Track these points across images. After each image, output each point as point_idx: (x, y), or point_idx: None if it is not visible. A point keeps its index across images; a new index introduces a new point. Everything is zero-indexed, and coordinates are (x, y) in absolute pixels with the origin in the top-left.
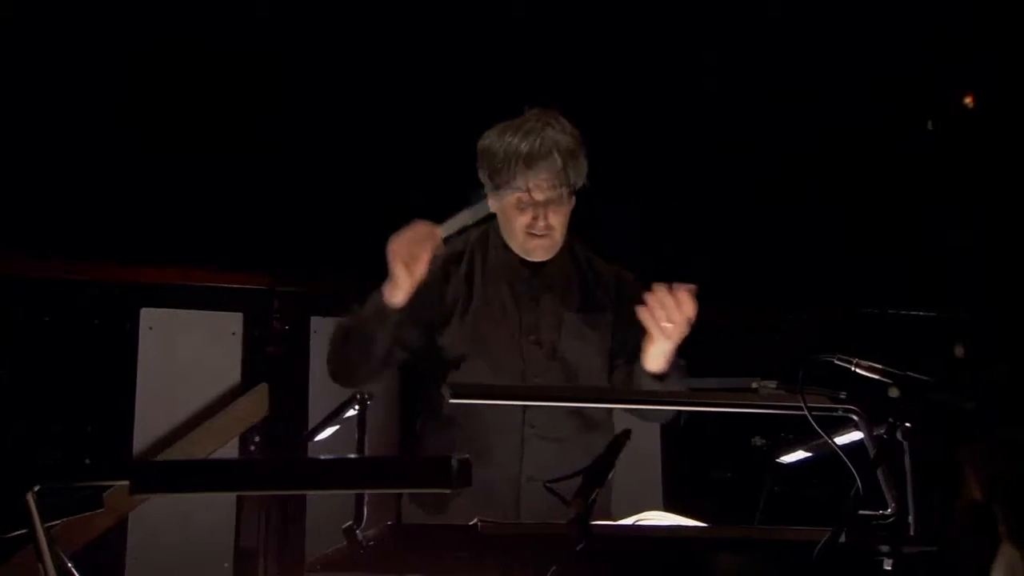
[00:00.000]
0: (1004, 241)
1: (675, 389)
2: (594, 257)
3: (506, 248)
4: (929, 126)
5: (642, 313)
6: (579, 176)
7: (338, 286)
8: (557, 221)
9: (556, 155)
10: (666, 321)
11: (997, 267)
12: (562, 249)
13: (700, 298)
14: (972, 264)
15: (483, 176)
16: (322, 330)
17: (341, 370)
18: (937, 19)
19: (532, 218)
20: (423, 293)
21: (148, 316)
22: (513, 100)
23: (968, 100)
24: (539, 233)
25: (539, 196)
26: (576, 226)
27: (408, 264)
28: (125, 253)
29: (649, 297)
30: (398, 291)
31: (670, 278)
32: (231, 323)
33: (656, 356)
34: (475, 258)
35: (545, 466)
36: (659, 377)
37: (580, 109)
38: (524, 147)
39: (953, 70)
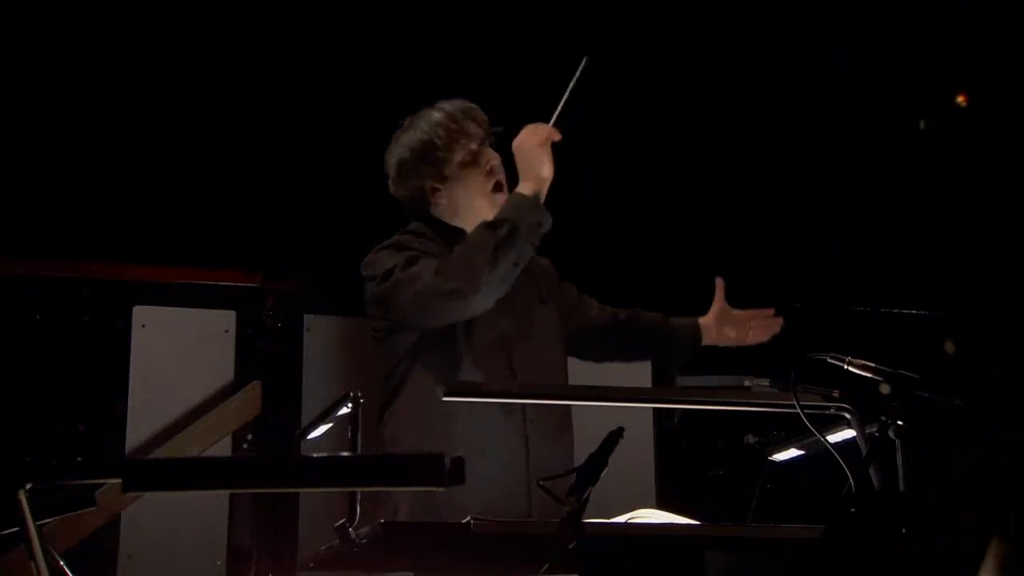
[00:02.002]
0: (1001, 240)
1: None
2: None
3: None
4: (921, 125)
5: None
6: None
7: (331, 284)
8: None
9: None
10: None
11: (993, 266)
12: None
13: (699, 298)
14: (967, 263)
15: (427, 172)
16: (315, 328)
17: (468, 299)
18: (935, 18)
19: (489, 172)
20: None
21: (140, 314)
22: (513, 100)
23: (961, 99)
24: (503, 184)
25: (492, 132)
26: (573, 226)
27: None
28: (117, 251)
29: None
30: (543, 187)
31: (668, 278)
32: (224, 321)
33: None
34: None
35: (550, 457)
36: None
37: (580, 108)
38: (451, 107)
39: (948, 69)
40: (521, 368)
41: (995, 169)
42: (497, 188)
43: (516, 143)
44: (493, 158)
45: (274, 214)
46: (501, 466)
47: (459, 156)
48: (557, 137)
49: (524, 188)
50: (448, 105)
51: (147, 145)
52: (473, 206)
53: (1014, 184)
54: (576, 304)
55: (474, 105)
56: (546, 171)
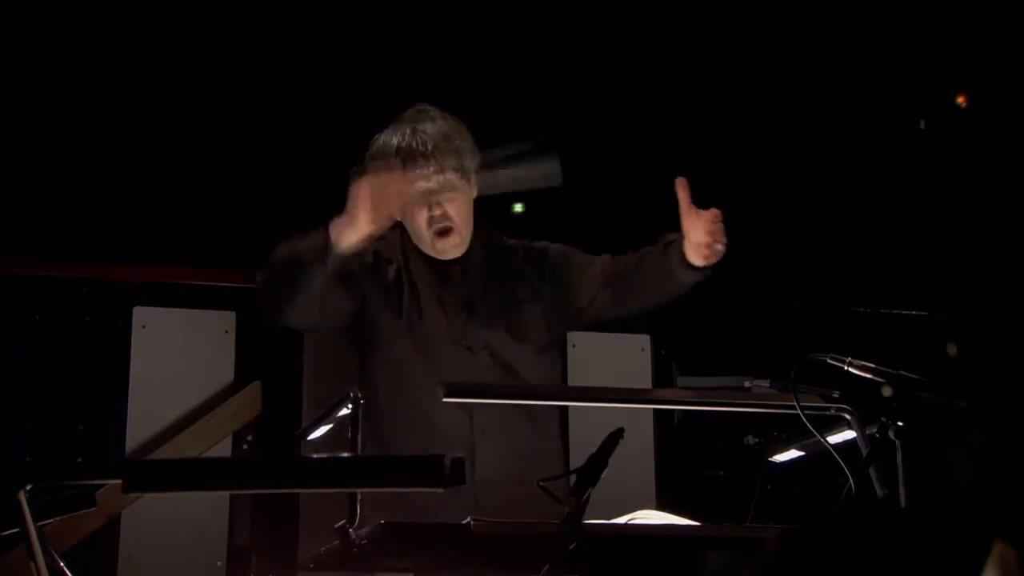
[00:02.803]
0: (998, 241)
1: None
2: (512, 244)
3: (421, 256)
4: (921, 125)
5: (694, 235)
6: (465, 160)
7: None
8: (455, 211)
9: (428, 143)
10: (712, 242)
11: (990, 267)
12: (477, 247)
13: (697, 299)
14: (967, 264)
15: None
16: None
17: (268, 302)
18: (936, 19)
19: (427, 212)
20: (359, 264)
21: (141, 314)
22: (512, 102)
23: (960, 100)
24: (441, 227)
25: (424, 184)
26: (569, 223)
27: (375, 207)
28: (118, 251)
29: (700, 224)
30: (351, 233)
31: None
32: (224, 321)
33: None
34: (404, 262)
35: (495, 465)
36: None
37: (575, 108)
38: (396, 140)
39: (948, 69)
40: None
41: (995, 170)
42: (438, 233)
43: (361, 180)
44: (426, 199)
45: (274, 215)
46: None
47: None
48: (408, 191)
49: (335, 224)
50: (390, 136)
51: (148, 145)
52: (419, 238)
53: (1014, 185)
54: (597, 279)
55: (419, 143)
56: (358, 207)
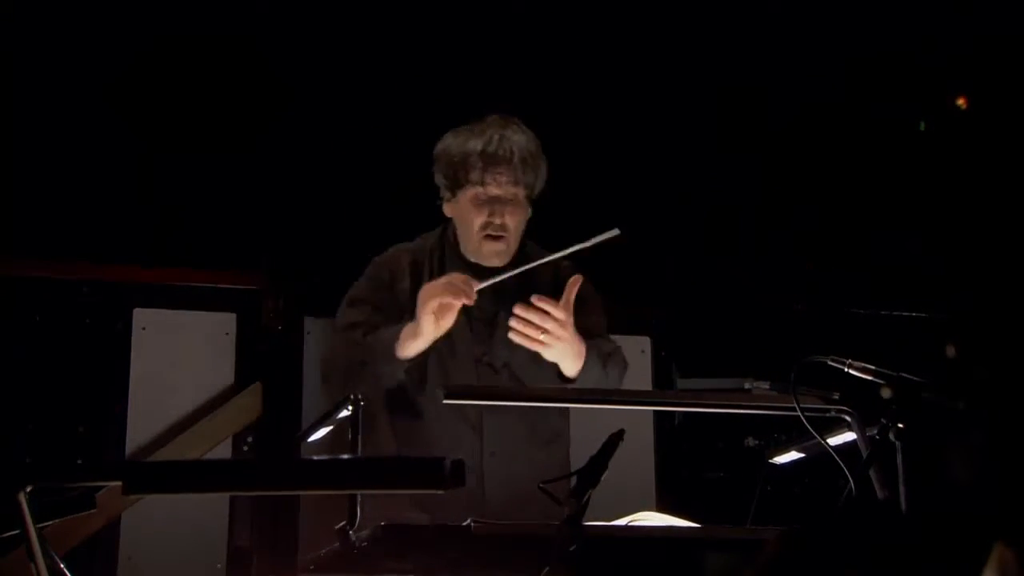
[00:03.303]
0: (998, 242)
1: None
2: (537, 253)
3: (459, 259)
4: (921, 127)
5: (513, 336)
6: (537, 180)
7: (331, 286)
8: (513, 223)
9: (515, 153)
10: (536, 335)
11: (989, 268)
12: (512, 263)
13: (695, 301)
14: (967, 265)
15: (440, 180)
16: (315, 330)
17: (336, 385)
18: (936, 21)
19: (488, 215)
20: (388, 289)
21: (141, 316)
22: (512, 102)
23: (961, 102)
24: (495, 234)
25: (496, 191)
26: (569, 223)
27: (437, 314)
28: (118, 253)
29: (513, 321)
30: (419, 341)
31: (668, 280)
32: (224, 323)
33: (567, 367)
34: (432, 266)
35: (504, 492)
36: (570, 380)
37: (575, 108)
38: (481, 144)
39: (948, 70)
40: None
41: (995, 171)
42: (489, 236)
43: (423, 289)
44: (489, 203)
45: (275, 216)
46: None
47: (458, 195)
48: (462, 302)
49: (407, 331)
50: (476, 138)
51: (148, 146)
52: (467, 237)
53: (1014, 186)
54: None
55: (504, 150)
56: (427, 330)
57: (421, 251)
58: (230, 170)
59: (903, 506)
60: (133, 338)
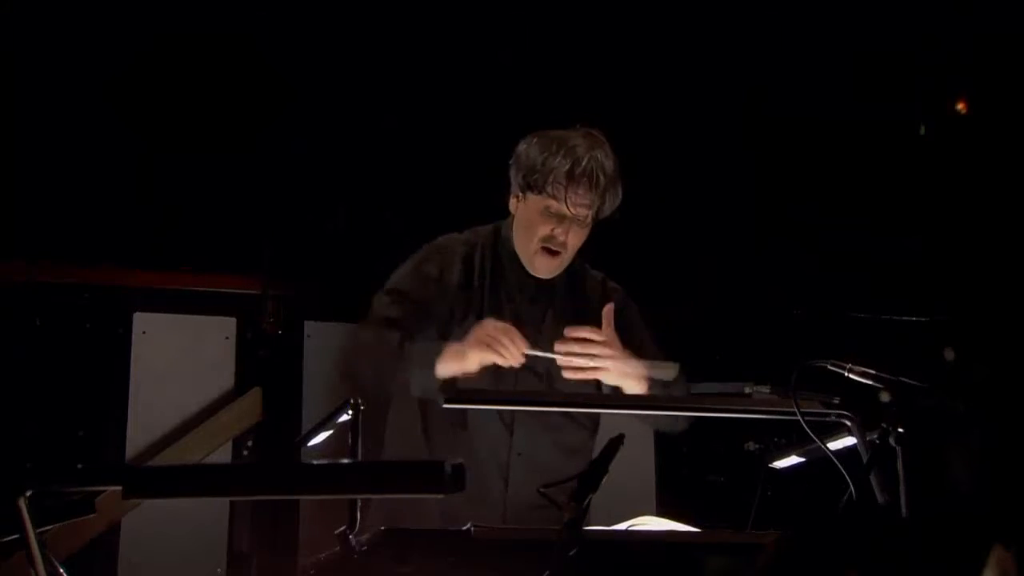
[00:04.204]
0: (998, 244)
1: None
2: (586, 270)
3: (514, 260)
4: (921, 131)
5: (566, 374)
6: (611, 206)
7: (332, 290)
8: (574, 242)
9: (601, 180)
10: (585, 363)
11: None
12: (563, 273)
13: (696, 305)
14: (966, 267)
15: (515, 177)
16: (316, 334)
17: (366, 381)
18: (936, 22)
19: (552, 230)
20: (436, 282)
21: (141, 320)
22: (511, 100)
23: (961, 106)
24: (554, 249)
25: (572, 211)
26: None
27: (487, 348)
28: (118, 257)
29: (559, 360)
30: (458, 366)
31: (663, 280)
32: (224, 327)
33: (631, 389)
34: (484, 264)
35: (529, 494)
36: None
37: (574, 108)
38: (570, 164)
39: (948, 71)
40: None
41: (994, 172)
42: (547, 250)
43: (478, 328)
44: (559, 220)
45: (275, 220)
46: (478, 481)
47: (529, 198)
48: (508, 363)
49: (452, 352)
50: (565, 153)
51: (149, 150)
52: (525, 242)
53: (1014, 188)
54: None
55: (590, 173)
56: (471, 366)
57: (474, 246)
58: (230, 174)
59: (904, 510)
60: (133, 342)
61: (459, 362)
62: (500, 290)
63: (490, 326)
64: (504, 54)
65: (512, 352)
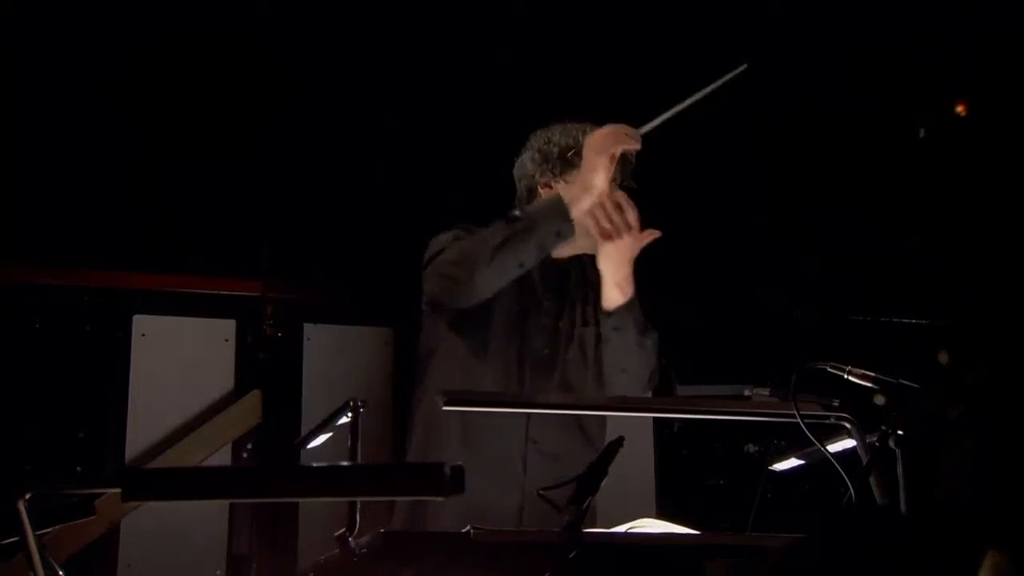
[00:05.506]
0: (998, 245)
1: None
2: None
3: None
4: (921, 134)
5: (587, 223)
6: (629, 172)
7: (331, 293)
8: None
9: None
10: (606, 222)
11: (985, 272)
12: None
13: (695, 307)
14: (966, 268)
15: (545, 165)
16: (315, 336)
17: (463, 286)
18: (937, 24)
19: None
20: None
21: (140, 323)
22: (510, 100)
23: (960, 108)
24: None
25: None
26: None
27: (604, 151)
28: (118, 260)
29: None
30: (588, 196)
31: (663, 281)
32: (224, 330)
33: (610, 288)
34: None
35: (546, 481)
36: (613, 315)
37: (573, 108)
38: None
39: (948, 71)
40: (534, 386)
41: (994, 173)
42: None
43: (588, 139)
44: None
45: (274, 223)
46: (496, 467)
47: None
48: (633, 147)
49: (566, 191)
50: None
51: (148, 153)
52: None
53: (1013, 188)
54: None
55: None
56: (598, 181)
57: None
58: (230, 175)
59: (902, 513)
60: (133, 344)
61: (585, 190)
62: (533, 277)
63: (594, 139)
64: (504, 54)
65: (630, 137)
